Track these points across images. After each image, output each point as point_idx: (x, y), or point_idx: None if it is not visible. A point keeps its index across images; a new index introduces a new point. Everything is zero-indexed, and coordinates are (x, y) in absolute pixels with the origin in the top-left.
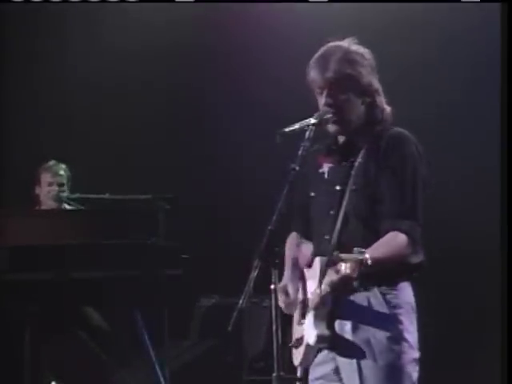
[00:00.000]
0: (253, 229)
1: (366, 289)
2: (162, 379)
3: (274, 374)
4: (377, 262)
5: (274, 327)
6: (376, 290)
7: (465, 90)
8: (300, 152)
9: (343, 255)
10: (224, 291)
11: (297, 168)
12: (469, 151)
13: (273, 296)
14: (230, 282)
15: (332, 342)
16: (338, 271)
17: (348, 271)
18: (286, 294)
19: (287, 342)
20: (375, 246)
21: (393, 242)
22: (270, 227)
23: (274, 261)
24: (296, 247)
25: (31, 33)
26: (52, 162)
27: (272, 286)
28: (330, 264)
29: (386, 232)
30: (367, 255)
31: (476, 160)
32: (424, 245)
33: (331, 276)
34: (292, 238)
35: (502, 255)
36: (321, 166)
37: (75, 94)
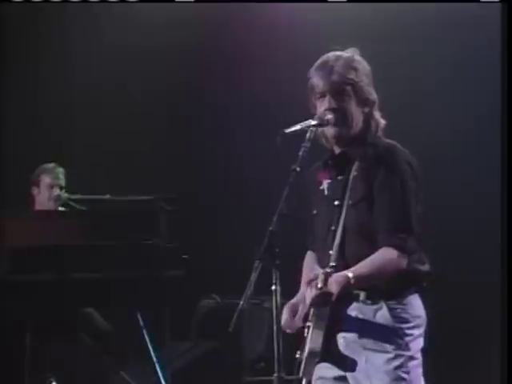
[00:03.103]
0: (253, 229)
1: (374, 302)
2: (162, 380)
3: (275, 375)
4: (361, 278)
5: (274, 328)
6: (383, 304)
7: (465, 89)
8: (301, 153)
9: (320, 270)
10: (224, 292)
11: (297, 169)
12: (469, 151)
13: (273, 297)
14: (231, 283)
15: (326, 357)
16: (316, 287)
17: (322, 286)
18: (293, 313)
19: (291, 345)
20: (362, 263)
21: (380, 258)
22: (270, 228)
23: (274, 262)
24: (312, 266)
25: (31, 33)
26: (52, 165)
27: (273, 287)
28: (312, 279)
29: (379, 247)
30: (350, 274)
31: (476, 160)
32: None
33: (311, 291)
34: (308, 257)
35: (502, 255)
36: (321, 183)
37: (75, 94)
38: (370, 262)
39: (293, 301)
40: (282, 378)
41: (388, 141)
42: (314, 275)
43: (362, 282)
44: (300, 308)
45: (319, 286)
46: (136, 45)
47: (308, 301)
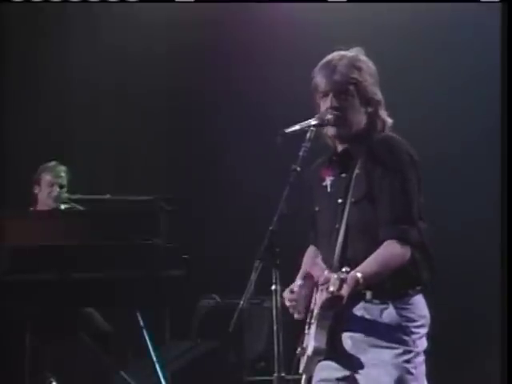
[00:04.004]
0: (253, 229)
1: (381, 302)
2: (162, 380)
3: (275, 375)
4: (369, 277)
5: (274, 328)
6: (390, 304)
7: (465, 90)
8: (301, 153)
9: (332, 274)
10: (224, 292)
11: (298, 169)
12: (468, 151)
13: (274, 297)
14: (231, 283)
15: (331, 356)
16: (326, 290)
17: (335, 290)
18: (291, 291)
19: (291, 344)
20: (367, 261)
21: (384, 253)
22: (270, 228)
23: (274, 261)
24: (312, 260)
25: (31, 33)
26: (53, 163)
27: (273, 287)
28: (323, 282)
29: (382, 242)
30: (359, 274)
31: (476, 161)
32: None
33: (322, 294)
34: (309, 251)
35: (502, 255)
36: (324, 180)
37: (75, 94)
38: (375, 258)
39: (290, 287)
40: (282, 378)
41: (385, 133)
42: (325, 278)
43: (370, 280)
44: (295, 288)
45: (331, 289)
46: (136, 45)
47: (319, 304)
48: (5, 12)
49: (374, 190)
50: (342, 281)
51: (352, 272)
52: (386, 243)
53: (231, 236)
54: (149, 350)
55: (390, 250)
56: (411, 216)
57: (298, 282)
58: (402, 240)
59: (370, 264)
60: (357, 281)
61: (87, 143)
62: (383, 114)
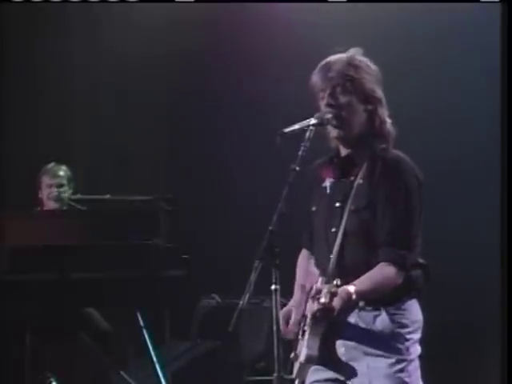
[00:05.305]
0: (253, 229)
1: (373, 308)
2: (162, 380)
3: (275, 375)
4: (363, 294)
5: (274, 328)
6: (383, 310)
7: (464, 90)
8: (300, 152)
9: (324, 286)
10: (225, 292)
11: (297, 168)
12: (468, 152)
13: (273, 297)
14: (231, 283)
15: (324, 362)
16: (318, 302)
17: (326, 302)
18: (287, 321)
19: (289, 345)
20: (362, 278)
21: (380, 275)
22: (270, 227)
23: (274, 261)
24: (306, 268)
25: (31, 33)
26: (51, 164)
27: (272, 287)
28: (314, 294)
29: (378, 262)
30: (352, 289)
31: (475, 162)
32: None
33: (312, 305)
34: (302, 258)
35: (502, 255)
36: (323, 180)
37: (75, 94)
38: (370, 278)
39: (285, 308)
40: (282, 378)
41: (396, 152)
42: (317, 290)
43: (362, 297)
44: (293, 315)
45: (322, 301)
46: (136, 44)
47: (309, 314)
48: (5, 12)
49: (377, 205)
50: (333, 294)
51: (346, 286)
52: (382, 265)
53: (231, 236)
54: (149, 349)
55: (386, 274)
56: (411, 242)
57: (294, 310)
58: (399, 266)
59: (365, 282)
60: (350, 296)
61: (87, 143)
62: (383, 113)
